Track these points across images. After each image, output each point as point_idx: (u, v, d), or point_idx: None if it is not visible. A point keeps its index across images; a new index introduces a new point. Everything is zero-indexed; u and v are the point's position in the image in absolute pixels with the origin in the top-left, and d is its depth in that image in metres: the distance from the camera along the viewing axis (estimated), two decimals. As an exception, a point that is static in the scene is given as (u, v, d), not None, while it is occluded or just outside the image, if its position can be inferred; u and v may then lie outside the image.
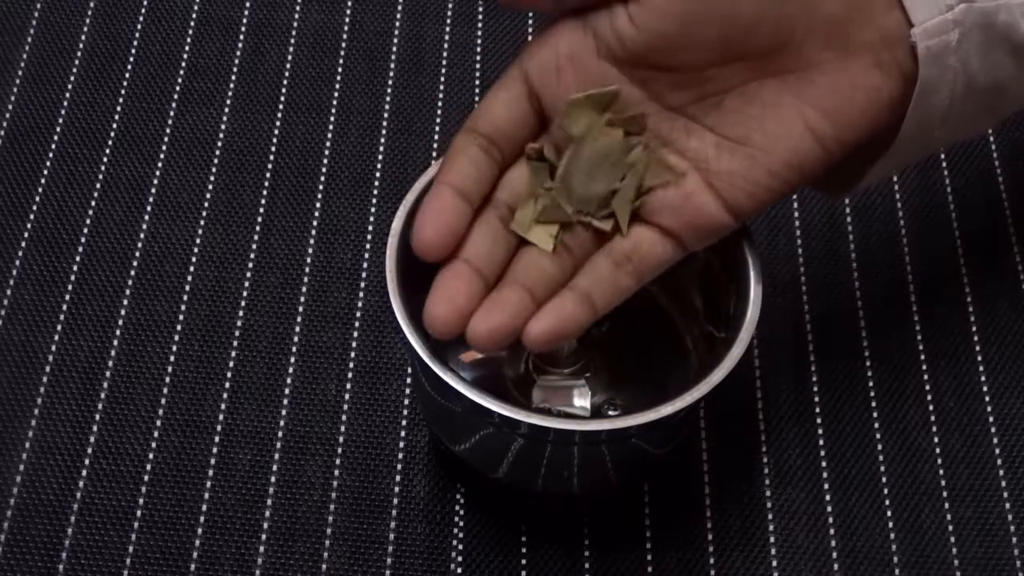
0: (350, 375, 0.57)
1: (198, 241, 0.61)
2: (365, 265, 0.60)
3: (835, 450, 0.56)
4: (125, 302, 0.59)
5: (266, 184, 0.62)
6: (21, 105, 0.64)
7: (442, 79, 0.65)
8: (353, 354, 0.58)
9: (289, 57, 0.66)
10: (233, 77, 0.65)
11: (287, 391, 0.57)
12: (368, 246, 0.61)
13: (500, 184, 0.44)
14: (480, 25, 0.67)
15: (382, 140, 0.64)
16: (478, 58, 0.66)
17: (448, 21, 0.67)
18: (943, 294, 0.59)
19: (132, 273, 0.60)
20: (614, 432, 0.45)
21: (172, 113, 0.64)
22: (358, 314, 0.59)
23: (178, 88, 0.65)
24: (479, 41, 0.67)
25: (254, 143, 0.63)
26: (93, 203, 0.61)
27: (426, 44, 0.67)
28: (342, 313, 0.59)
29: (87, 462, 0.55)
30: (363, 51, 0.67)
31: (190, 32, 0.67)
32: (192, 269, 0.60)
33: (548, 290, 0.43)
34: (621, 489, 0.55)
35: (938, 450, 0.56)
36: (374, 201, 0.62)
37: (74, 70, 0.65)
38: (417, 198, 0.48)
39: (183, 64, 0.66)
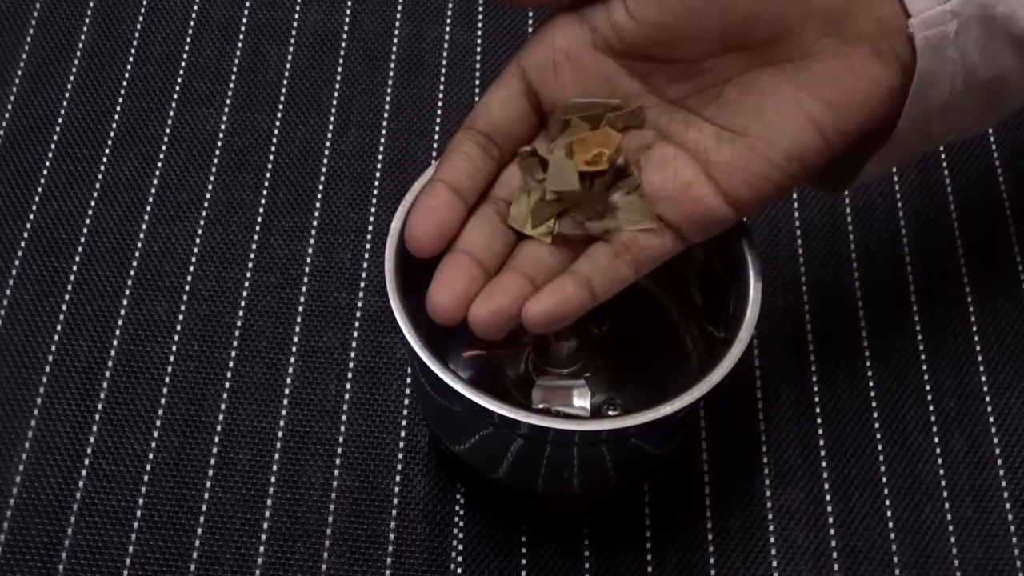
0: (350, 375, 0.57)
1: (198, 241, 0.61)
2: (365, 265, 0.60)
3: (835, 450, 0.56)
4: (125, 302, 0.59)
5: (266, 184, 0.62)
6: (21, 105, 0.64)
7: (442, 79, 0.65)
8: (353, 354, 0.58)
9: (289, 57, 0.66)
10: (233, 77, 0.65)
11: (287, 391, 0.57)
12: (368, 246, 0.61)
13: (498, 181, 0.44)
14: (480, 25, 0.67)
15: (382, 140, 0.64)
16: (478, 58, 0.66)
17: (448, 21, 0.67)
18: (943, 294, 0.59)
19: (132, 273, 0.60)
20: (614, 432, 0.45)
21: (172, 113, 0.64)
22: (358, 314, 0.59)
23: (178, 88, 0.65)
24: (479, 41, 0.67)
25: (254, 143, 0.63)
26: (93, 203, 0.61)
27: (426, 44, 0.67)
28: (342, 313, 0.59)
29: (87, 462, 0.55)
30: (363, 51, 0.67)
31: (190, 32, 0.67)
32: (192, 269, 0.60)
33: (547, 278, 0.43)
34: (621, 489, 0.55)
35: (938, 450, 0.56)
36: (374, 201, 0.62)
37: (74, 70, 0.65)
38: (417, 198, 0.48)
39: (183, 64, 0.66)
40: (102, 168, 0.63)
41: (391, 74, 0.66)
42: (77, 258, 0.60)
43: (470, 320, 0.41)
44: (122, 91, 0.65)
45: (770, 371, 0.57)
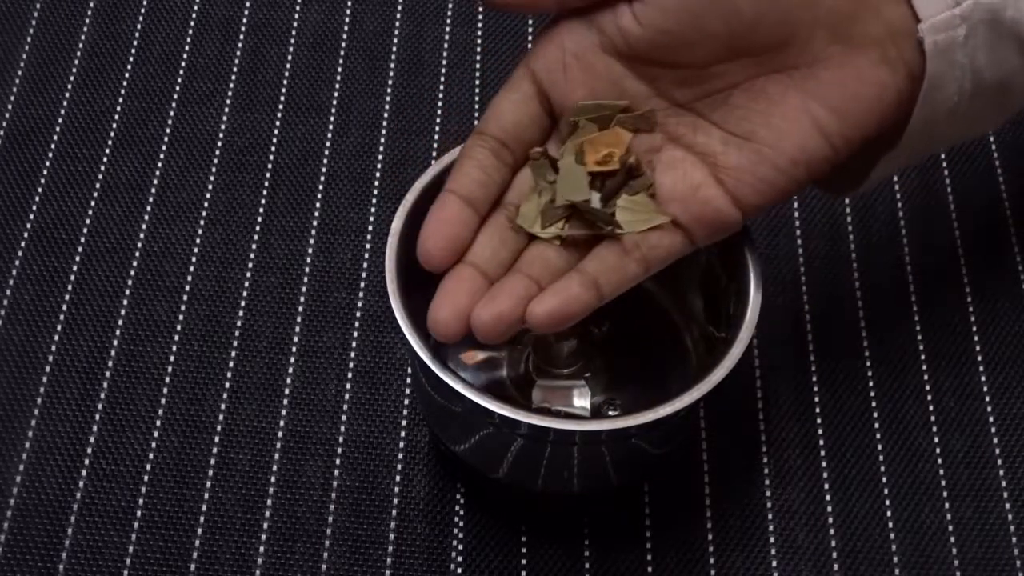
0: (350, 375, 0.57)
1: (198, 241, 0.61)
2: (365, 265, 0.60)
3: (835, 450, 0.56)
4: (125, 302, 0.59)
5: (266, 184, 0.62)
6: (21, 105, 0.64)
7: (442, 79, 0.65)
8: (353, 354, 0.58)
9: (289, 57, 0.66)
10: (233, 77, 0.65)
11: (287, 391, 0.57)
12: (368, 246, 0.61)
13: (512, 185, 0.44)
14: (480, 25, 0.67)
15: (382, 140, 0.64)
16: (478, 58, 0.66)
17: (448, 21, 0.67)
18: (943, 294, 0.59)
19: (132, 273, 0.60)
20: (614, 432, 0.45)
21: (172, 113, 0.64)
22: (358, 314, 0.59)
23: (178, 88, 0.65)
24: (479, 41, 0.67)
25: (254, 143, 0.63)
26: (93, 203, 0.61)
27: (426, 44, 0.67)
28: (342, 313, 0.59)
29: (87, 462, 0.55)
30: (363, 51, 0.66)
31: (190, 32, 0.67)
32: (192, 269, 0.60)
33: (554, 279, 0.43)
34: (621, 489, 0.55)
35: (938, 450, 0.56)
36: (374, 201, 0.62)
37: (74, 70, 0.65)
38: (417, 198, 0.48)
39: (183, 64, 0.66)
40: (102, 168, 0.63)
41: (391, 74, 0.66)
42: (77, 258, 0.60)
43: (472, 325, 0.41)
44: (122, 91, 0.65)
45: (770, 371, 0.57)
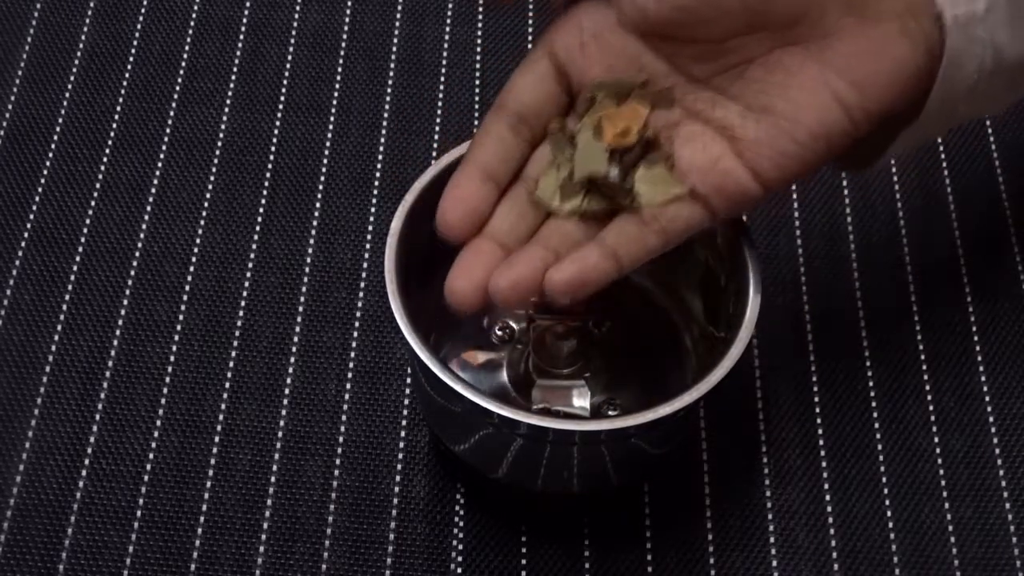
0: (350, 375, 0.57)
1: (198, 241, 0.61)
2: (365, 265, 0.60)
3: (835, 450, 0.56)
4: (125, 302, 0.59)
5: (266, 184, 0.62)
6: (21, 105, 0.64)
7: (442, 79, 0.65)
8: (353, 354, 0.58)
9: (289, 57, 0.66)
10: (233, 77, 0.65)
11: (287, 391, 0.57)
12: (368, 246, 0.61)
13: (530, 160, 0.44)
14: (480, 25, 0.67)
15: (382, 140, 0.64)
16: (478, 58, 0.66)
17: (448, 21, 0.67)
18: (943, 294, 0.59)
19: (132, 273, 0.60)
20: (613, 432, 0.45)
21: (172, 113, 0.64)
22: (358, 314, 0.59)
23: (178, 88, 0.65)
24: (479, 41, 0.67)
25: (254, 143, 0.63)
26: (93, 203, 0.61)
27: (426, 44, 0.67)
28: (342, 313, 0.59)
29: (87, 462, 0.55)
30: (363, 51, 0.67)
31: (190, 32, 0.67)
32: (192, 269, 0.60)
33: (572, 252, 0.42)
34: (621, 489, 0.55)
35: (938, 450, 0.56)
36: (374, 201, 0.62)
37: (74, 70, 0.65)
38: (416, 198, 0.48)
39: (183, 64, 0.66)
40: (102, 168, 0.63)
41: (391, 74, 0.66)
42: (77, 258, 0.60)
43: (490, 291, 0.41)
44: (122, 91, 0.65)
45: (770, 371, 0.57)
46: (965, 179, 0.63)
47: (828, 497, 0.55)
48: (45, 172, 0.62)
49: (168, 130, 0.64)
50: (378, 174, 0.63)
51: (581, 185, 0.43)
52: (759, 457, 0.56)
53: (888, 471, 0.55)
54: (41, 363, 0.57)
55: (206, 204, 0.62)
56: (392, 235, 0.47)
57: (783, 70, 0.43)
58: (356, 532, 0.54)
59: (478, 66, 0.66)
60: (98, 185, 0.62)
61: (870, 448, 0.56)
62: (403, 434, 0.56)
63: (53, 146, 0.63)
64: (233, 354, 0.58)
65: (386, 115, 0.64)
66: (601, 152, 0.43)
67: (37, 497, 0.54)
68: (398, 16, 0.68)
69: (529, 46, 0.66)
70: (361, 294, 0.59)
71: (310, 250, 0.60)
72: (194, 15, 0.67)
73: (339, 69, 0.66)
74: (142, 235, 0.61)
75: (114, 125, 0.64)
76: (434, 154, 0.63)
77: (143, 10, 0.68)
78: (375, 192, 0.62)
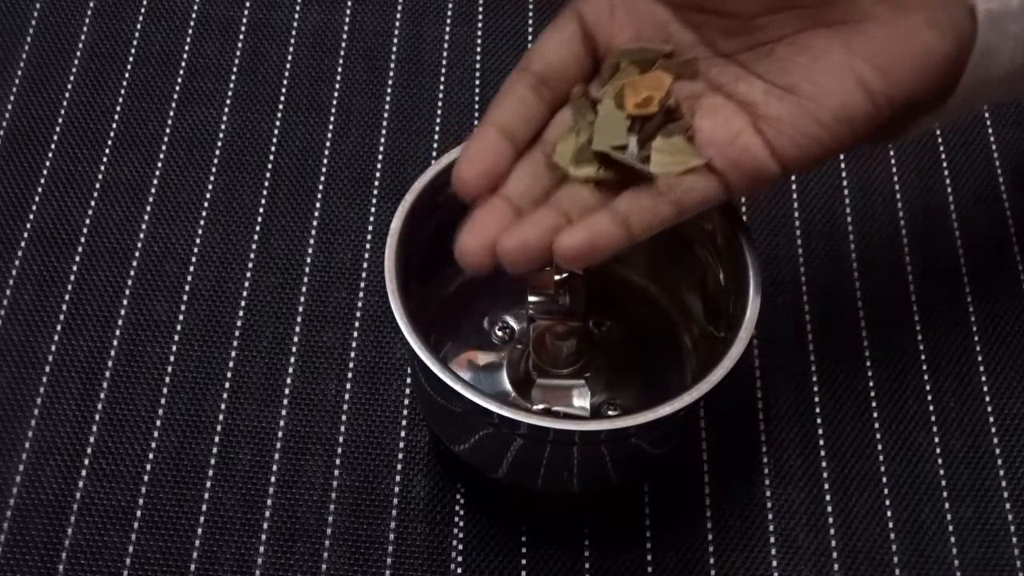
0: (350, 375, 0.57)
1: (198, 241, 0.61)
2: (365, 265, 0.60)
3: (835, 450, 0.56)
4: (125, 302, 0.59)
5: (266, 184, 0.62)
6: (21, 105, 0.64)
7: (442, 79, 0.65)
8: (353, 354, 0.58)
9: (289, 57, 0.66)
10: (233, 77, 0.65)
11: (287, 391, 0.57)
12: (368, 246, 0.61)
13: (551, 124, 0.44)
14: (480, 25, 0.67)
15: (382, 140, 0.64)
16: (478, 58, 0.66)
17: (448, 21, 0.67)
18: (943, 294, 0.59)
19: (132, 273, 0.60)
20: (613, 432, 0.45)
21: (172, 113, 0.64)
22: (358, 314, 0.59)
23: (178, 88, 0.65)
24: (479, 41, 0.67)
25: (254, 143, 0.63)
26: (93, 203, 0.61)
27: (426, 44, 0.67)
28: (342, 313, 0.59)
29: (87, 462, 0.55)
30: (363, 51, 0.66)
31: (190, 32, 0.67)
32: (192, 269, 0.60)
33: (584, 217, 0.42)
34: (621, 489, 0.55)
35: (938, 450, 0.56)
36: (374, 201, 0.62)
37: (74, 70, 0.65)
38: (416, 198, 0.48)
39: (183, 64, 0.66)
40: (102, 168, 0.63)
41: (391, 74, 0.66)
42: (77, 258, 0.60)
43: (498, 251, 0.40)
44: (122, 91, 0.65)
45: (770, 371, 0.57)
46: (965, 179, 0.63)
47: (828, 497, 0.55)
48: (45, 172, 0.62)
49: (168, 130, 0.64)
50: (378, 174, 0.63)
51: (597, 154, 0.43)
52: (759, 457, 0.55)
53: (888, 471, 0.55)
54: (41, 363, 0.57)
55: (206, 204, 0.62)
56: (392, 235, 0.47)
57: (810, 51, 0.43)
58: (356, 532, 0.54)
59: (478, 66, 0.66)
60: (98, 185, 0.62)
61: (870, 448, 0.56)
62: (403, 434, 0.56)
63: (53, 146, 0.63)
64: (233, 354, 0.58)
65: (386, 115, 0.64)
66: (622, 123, 0.43)
67: (37, 497, 0.54)
68: (398, 16, 0.68)
69: (529, 46, 0.66)
70: (361, 294, 0.59)
71: (310, 250, 0.60)
72: (194, 15, 0.67)
73: (339, 69, 0.66)
74: (142, 235, 0.61)
75: (114, 125, 0.64)
76: (434, 154, 0.63)
77: (143, 10, 0.68)
78: (375, 192, 0.62)
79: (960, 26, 0.42)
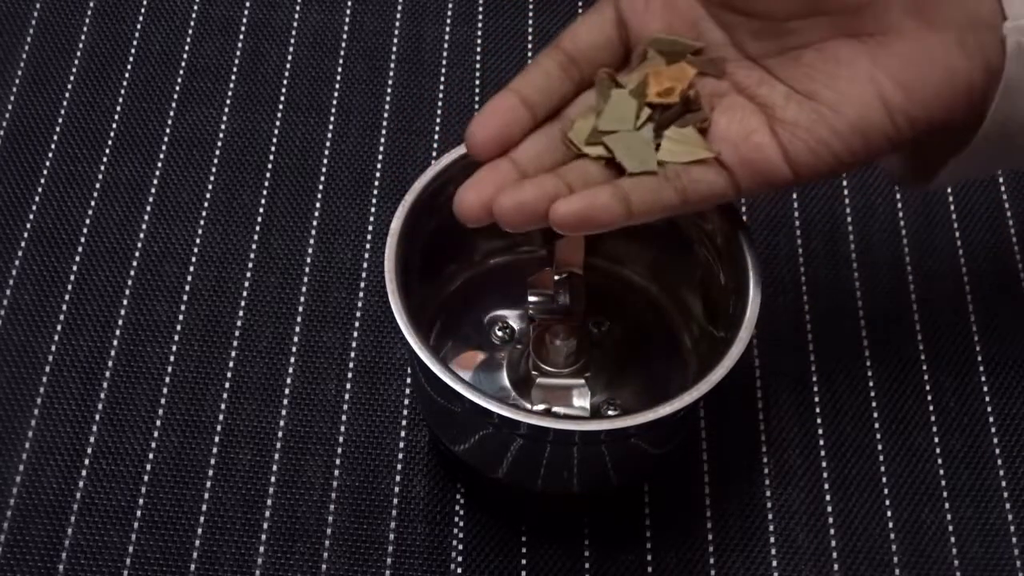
0: (350, 375, 0.57)
1: (198, 241, 0.61)
2: (365, 265, 0.60)
3: (835, 450, 0.56)
4: (125, 302, 0.59)
5: (266, 184, 0.62)
6: (21, 105, 0.64)
7: (442, 79, 0.65)
8: (353, 354, 0.58)
9: (289, 57, 0.66)
10: (233, 77, 0.65)
11: (287, 391, 0.57)
12: (368, 246, 0.61)
13: (575, 102, 0.44)
14: (480, 25, 0.67)
15: (382, 140, 0.64)
16: (478, 58, 0.66)
17: (448, 21, 0.67)
18: (943, 294, 0.59)
19: (132, 273, 0.60)
20: (613, 432, 0.45)
21: (172, 113, 0.64)
22: (358, 314, 0.59)
23: (178, 88, 0.65)
24: (479, 41, 0.67)
25: (254, 143, 0.63)
26: (93, 203, 0.61)
27: (426, 44, 0.67)
28: (342, 313, 0.59)
29: (87, 462, 0.55)
30: (363, 51, 0.66)
31: (190, 32, 0.67)
32: (192, 269, 0.60)
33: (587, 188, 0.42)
34: (621, 489, 0.55)
35: (938, 450, 0.56)
36: (374, 201, 0.62)
37: (74, 70, 0.65)
38: (416, 198, 0.48)
39: (183, 64, 0.66)
40: (102, 168, 0.63)
41: (391, 74, 0.66)
42: (77, 258, 0.60)
43: (494, 209, 0.41)
44: (122, 91, 0.65)
45: (770, 371, 0.57)
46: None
47: (828, 497, 0.55)
48: (45, 172, 0.62)
49: (168, 130, 0.64)
50: (378, 174, 0.63)
51: (604, 135, 0.43)
52: (759, 457, 0.55)
53: (888, 471, 0.55)
54: (41, 363, 0.57)
55: (206, 204, 0.62)
56: (392, 235, 0.47)
57: (835, 60, 0.43)
58: (356, 532, 0.54)
59: (478, 66, 0.66)
60: (98, 185, 0.62)
61: (870, 448, 0.56)
62: (403, 434, 0.56)
63: (53, 146, 0.63)
64: (233, 354, 0.58)
65: (386, 115, 0.64)
66: (631, 109, 0.43)
67: (37, 497, 0.54)
68: (398, 16, 0.68)
69: (529, 46, 0.66)
70: (361, 294, 0.59)
71: (310, 250, 0.60)
72: (194, 15, 0.67)
73: (339, 69, 0.66)
74: (142, 235, 0.61)
75: (114, 125, 0.64)
76: (434, 154, 0.63)
77: (143, 10, 0.68)
78: (375, 192, 0.62)
79: (988, 54, 0.42)
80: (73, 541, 0.53)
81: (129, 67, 0.66)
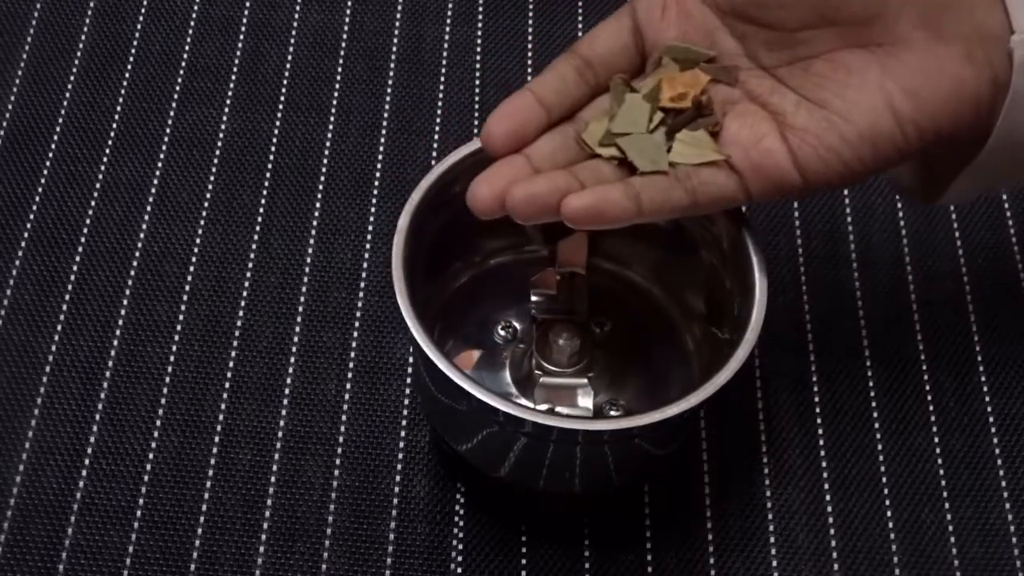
0: (350, 375, 0.57)
1: (198, 241, 0.61)
2: (365, 265, 0.60)
3: (835, 450, 0.56)
4: (125, 302, 0.59)
5: (266, 184, 0.62)
6: (21, 105, 0.64)
7: (442, 79, 0.65)
8: (353, 354, 0.58)
9: (289, 57, 0.66)
10: (233, 77, 0.65)
11: (287, 391, 0.57)
12: (368, 246, 0.61)
13: (589, 106, 0.45)
14: (480, 25, 0.67)
15: (382, 140, 0.64)
16: (478, 58, 0.66)
17: (448, 21, 0.67)
18: (943, 294, 0.59)
19: (132, 273, 0.60)
20: (617, 432, 0.45)
21: (172, 113, 0.64)
22: (358, 314, 0.59)
23: (178, 88, 0.65)
24: (479, 41, 0.67)
25: (254, 143, 0.63)
26: (93, 203, 0.61)
27: (426, 44, 0.67)
28: (342, 313, 0.59)
29: (87, 462, 0.55)
30: (363, 51, 0.66)
31: (190, 32, 0.67)
32: (192, 269, 0.60)
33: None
34: (622, 489, 0.55)
35: (938, 450, 0.56)
36: (374, 201, 0.62)
37: (74, 70, 0.65)
38: (424, 196, 0.48)
39: (183, 64, 0.66)
40: (102, 168, 0.62)
41: (391, 74, 0.66)
42: (77, 258, 0.60)
43: (506, 200, 0.41)
44: (122, 91, 0.65)
45: (770, 371, 0.57)
46: (964, 180, 0.63)
47: (828, 497, 0.55)
48: (45, 172, 0.62)
49: (168, 130, 0.64)
50: (378, 174, 0.63)
51: (617, 137, 0.44)
52: (759, 457, 0.56)
53: (888, 471, 0.55)
54: (41, 363, 0.57)
55: (206, 204, 0.62)
56: (399, 232, 0.47)
57: (845, 69, 0.43)
58: (356, 532, 0.54)
59: (478, 66, 0.66)
60: (98, 185, 0.62)
61: (870, 448, 0.56)
62: (403, 434, 0.56)
63: (53, 146, 0.63)
64: (233, 354, 0.58)
65: (386, 115, 0.64)
66: (644, 114, 0.44)
67: (37, 497, 0.54)
68: (398, 16, 0.68)
69: (529, 46, 0.66)
70: (361, 294, 0.59)
71: (310, 250, 0.60)
72: (194, 15, 0.67)
73: (339, 69, 0.66)
74: (142, 235, 0.61)
75: (114, 125, 0.64)
76: (434, 154, 0.63)
77: (143, 10, 0.68)
78: (375, 192, 0.62)
79: (996, 67, 0.42)
80: (73, 541, 0.53)
81: (129, 67, 0.66)
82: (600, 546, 0.54)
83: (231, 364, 0.57)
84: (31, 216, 0.61)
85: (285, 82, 0.65)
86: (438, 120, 0.64)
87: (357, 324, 0.58)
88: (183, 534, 0.53)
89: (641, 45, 0.45)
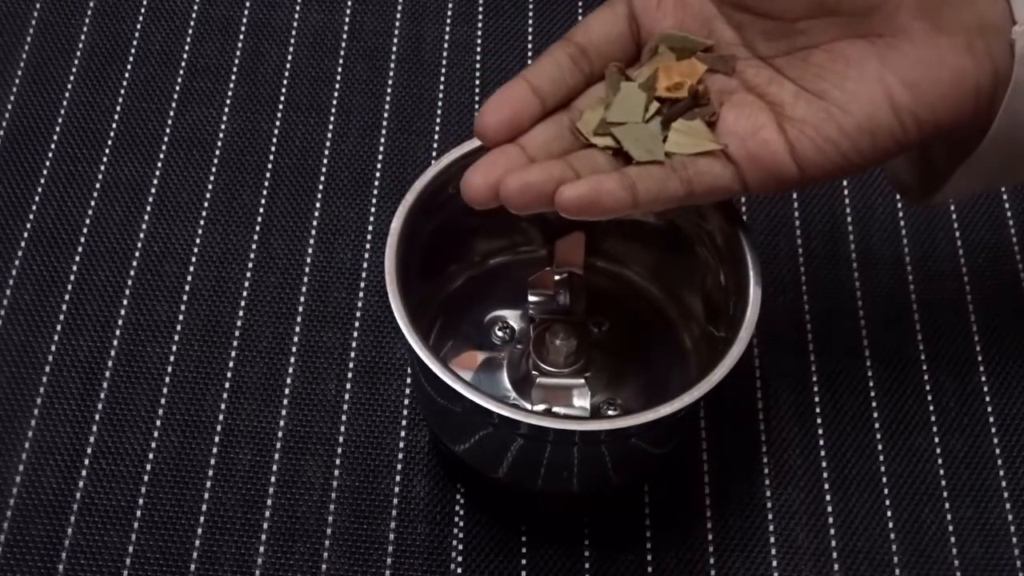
0: (350, 375, 0.57)
1: (198, 241, 0.61)
2: (365, 265, 0.60)
3: (835, 450, 0.56)
4: (125, 302, 0.59)
5: (266, 184, 0.62)
6: (21, 105, 0.64)
7: (442, 79, 0.65)
8: (353, 354, 0.58)
9: (289, 57, 0.66)
10: (233, 77, 0.65)
11: (287, 391, 0.57)
12: (368, 246, 0.61)
13: (584, 94, 0.45)
14: (480, 25, 0.67)
15: (382, 140, 0.64)
16: (478, 58, 0.66)
17: (448, 21, 0.67)
18: (943, 294, 0.59)
19: (132, 273, 0.60)
20: (614, 432, 0.45)
21: (172, 113, 0.64)
22: (358, 314, 0.59)
23: (178, 88, 0.65)
24: (479, 41, 0.67)
25: (254, 143, 0.63)
26: (93, 203, 0.61)
27: (426, 44, 0.67)
28: (342, 313, 0.59)
29: (87, 462, 0.55)
30: (363, 51, 0.66)
31: (190, 32, 0.67)
32: (192, 269, 0.60)
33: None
34: (621, 489, 0.55)
35: (938, 450, 0.56)
36: (374, 201, 0.62)
37: (74, 70, 0.65)
38: (417, 198, 0.48)
39: (183, 64, 0.66)
40: (102, 168, 0.63)
41: (391, 74, 0.66)
42: (77, 258, 0.60)
43: (500, 190, 0.41)
44: (122, 91, 0.65)
45: (770, 371, 0.57)
46: (965, 179, 0.63)
47: (828, 497, 0.55)
48: (45, 172, 0.62)
49: (168, 130, 0.64)
50: (378, 174, 0.63)
51: (612, 126, 0.44)
52: (759, 457, 0.55)
53: (888, 471, 0.55)
54: (41, 363, 0.57)
55: (206, 204, 0.62)
56: (392, 235, 0.47)
57: (844, 60, 0.43)
58: (356, 532, 0.54)
59: (478, 66, 0.66)
60: (98, 185, 0.62)
61: (870, 448, 0.56)
62: (403, 434, 0.56)
63: (53, 146, 0.63)
64: (233, 354, 0.58)
65: (386, 115, 0.64)
66: (640, 102, 0.44)
67: (37, 497, 0.54)
68: (398, 16, 0.68)
69: (529, 46, 0.66)
70: (361, 294, 0.59)
71: (310, 250, 0.60)
72: (194, 15, 0.67)
73: (339, 69, 0.66)
74: (142, 235, 0.61)
75: (114, 125, 0.64)
76: (434, 154, 0.63)
77: (143, 10, 0.68)
78: (375, 192, 0.62)
79: (997, 59, 0.42)
80: (73, 541, 0.53)
81: (129, 67, 0.66)
82: (600, 546, 0.54)
83: (231, 364, 0.57)
84: (31, 216, 0.61)
85: (285, 82, 0.65)
86: (438, 120, 0.64)
87: (357, 324, 0.58)
88: (183, 534, 0.53)
89: (637, 33, 0.45)
